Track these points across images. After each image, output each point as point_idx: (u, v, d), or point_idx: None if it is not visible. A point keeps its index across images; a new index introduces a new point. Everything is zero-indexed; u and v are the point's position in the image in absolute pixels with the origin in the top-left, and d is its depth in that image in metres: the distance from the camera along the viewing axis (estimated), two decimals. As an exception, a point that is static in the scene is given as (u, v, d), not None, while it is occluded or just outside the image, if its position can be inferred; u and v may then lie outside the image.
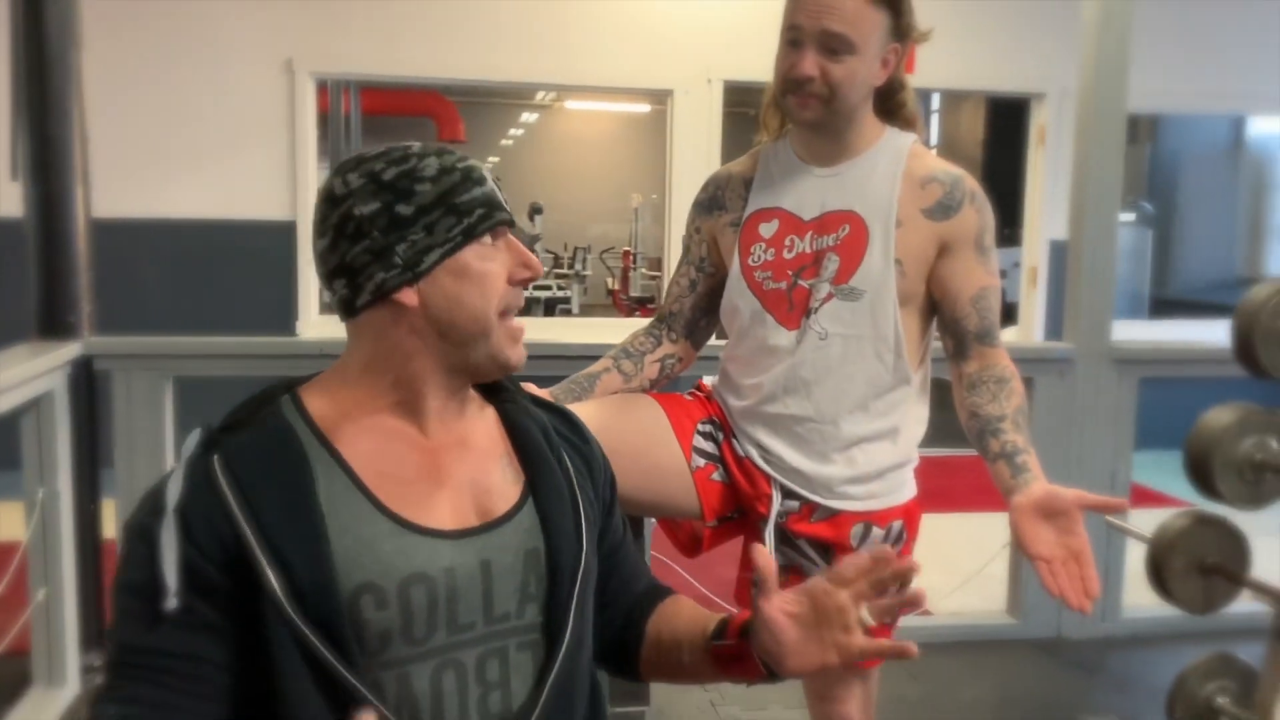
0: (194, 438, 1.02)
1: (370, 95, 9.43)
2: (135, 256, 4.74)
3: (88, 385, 2.74)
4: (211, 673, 0.96)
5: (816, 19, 1.52)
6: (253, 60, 4.91)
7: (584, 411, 1.60)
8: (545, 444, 1.15)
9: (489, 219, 1.05)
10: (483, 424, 1.14)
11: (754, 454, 1.68)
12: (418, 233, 1.02)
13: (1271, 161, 8.01)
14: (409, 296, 1.03)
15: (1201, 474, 1.95)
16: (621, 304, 10.24)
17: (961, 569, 3.43)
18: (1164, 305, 7.61)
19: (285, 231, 5.00)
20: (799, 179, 1.66)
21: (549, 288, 9.75)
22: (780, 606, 1.03)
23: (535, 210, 10.48)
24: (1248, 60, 5.70)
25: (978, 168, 8.66)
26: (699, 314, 1.80)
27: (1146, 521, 1.42)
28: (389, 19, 5.02)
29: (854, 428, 1.63)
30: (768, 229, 1.67)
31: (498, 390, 1.19)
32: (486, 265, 1.05)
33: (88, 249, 2.77)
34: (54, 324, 2.71)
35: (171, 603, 0.93)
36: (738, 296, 1.68)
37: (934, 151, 1.73)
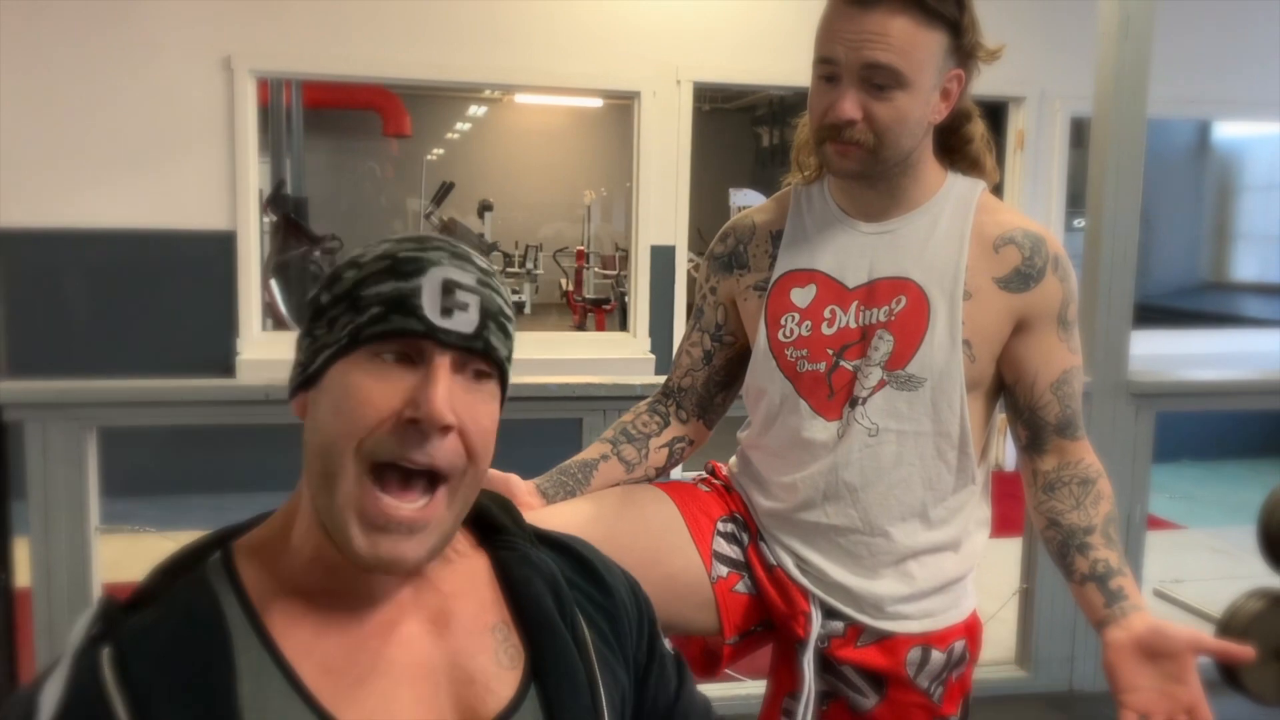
0: (84, 619, 0.77)
1: (312, 88, 9.09)
2: (50, 270, 4.35)
3: (-4, 438, 2.39)
4: None
5: (857, 50, 1.24)
6: (187, 56, 4.51)
7: (580, 511, 1.32)
8: (555, 606, 0.89)
9: (380, 323, 0.79)
10: (469, 582, 0.89)
11: (788, 564, 1.41)
12: (321, 327, 0.82)
13: (1237, 165, 7.94)
14: (299, 406, 0.84)
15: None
16: (575, 305, 9.94)
17: (965, 615, 3.19)
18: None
19: (224, 242, 4.63)
20: (840, 235, 1.38)
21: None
22: None
23: (485, 207, 10.14)
24: (1214, 66, 5.63)
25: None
26: (714, 389, 1.53)
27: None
28: (337, 12, 4.66)
29: (909, 540, 1.37)
30: (802, 296, 1.38)
31: (493, 529, 0.92)
32: (363, 384, 0.78)
33: (-6, 282, 2.42)
34: (-46, 370, 2.36)
35: None
36: (765, 378, 1.40)
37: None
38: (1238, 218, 8.01)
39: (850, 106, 1.25)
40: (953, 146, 1.40)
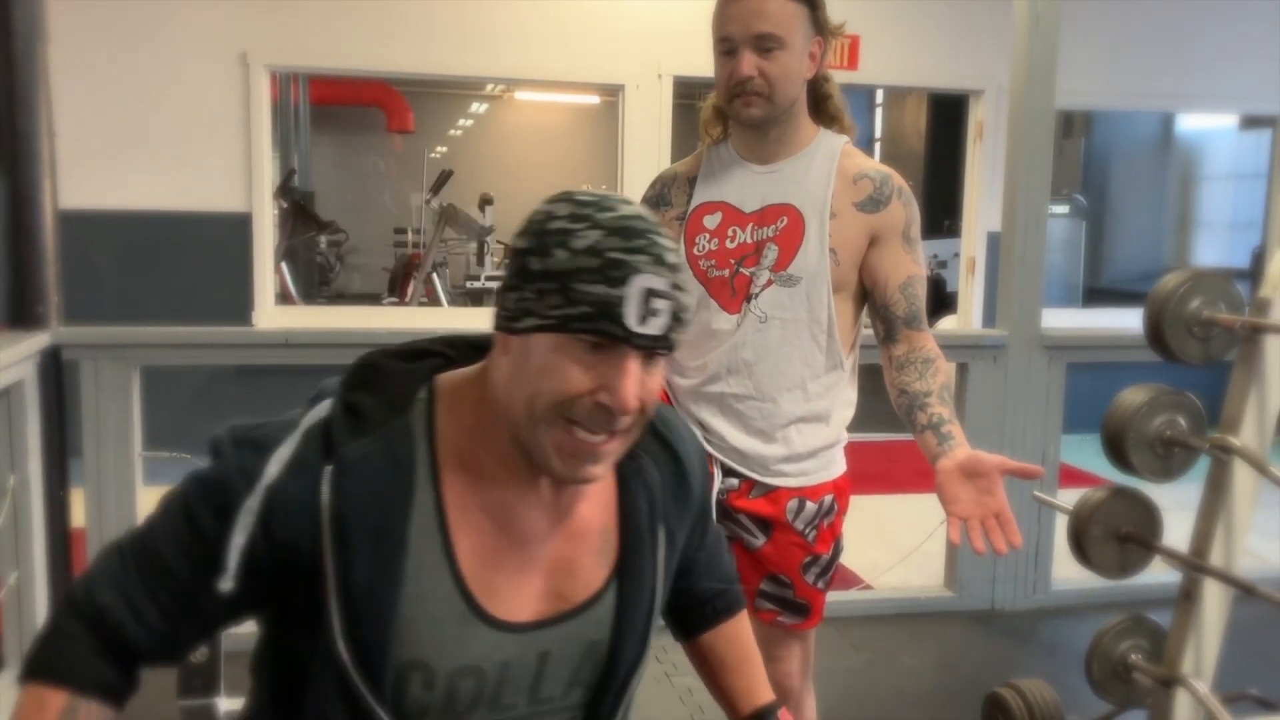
0: (321, 409, 0.99)
1: (319, 85, 9.42)
2: (92, 246, 4.76)
3: (56, 374, 2.80)
4: (202, 628, 1.00)
5: (746, 26, 1.66)
6: (208, 53, 4.94)
7: None
8: (648, 518, 1.09)
9: (588, 322, 0.91)
10: (596, 485, 1.06)
11: (697, 433, 1.80)
12: (529, 292, 0.93)
13: (1198, 156, 8.31)
14: (504, 343, 0.97)
15: (1116, 449, 2.09)
16: (573, 294, 10.29)
17: (901, 546, 3.59)
18: (1096, 294, 7.87)
19: (240, 223, 5.04)
20: (740, 175, 1.79)
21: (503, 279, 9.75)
22: None
23: (486, 201, 10.49)
24: (1176, 61, 5.96)
25: (920, 161, 8.86)
26: None
27: (1075, 499, 1.56)
28: (343, 12, 5.07)
29: (792, 407, 1.76)
30: (711, 220, 1.79)
31: None
32: (566, 365, 0.93)
33: (55, 241, 2.82)
34: (23, 314, 2.76)
35: (227, 584, 0.94)
36: None
37: (877, 145, 1.86)
38: (1198, 207, 8.38)
39: (748, 66, 1.68)
40: (818, 100, 1.82)
